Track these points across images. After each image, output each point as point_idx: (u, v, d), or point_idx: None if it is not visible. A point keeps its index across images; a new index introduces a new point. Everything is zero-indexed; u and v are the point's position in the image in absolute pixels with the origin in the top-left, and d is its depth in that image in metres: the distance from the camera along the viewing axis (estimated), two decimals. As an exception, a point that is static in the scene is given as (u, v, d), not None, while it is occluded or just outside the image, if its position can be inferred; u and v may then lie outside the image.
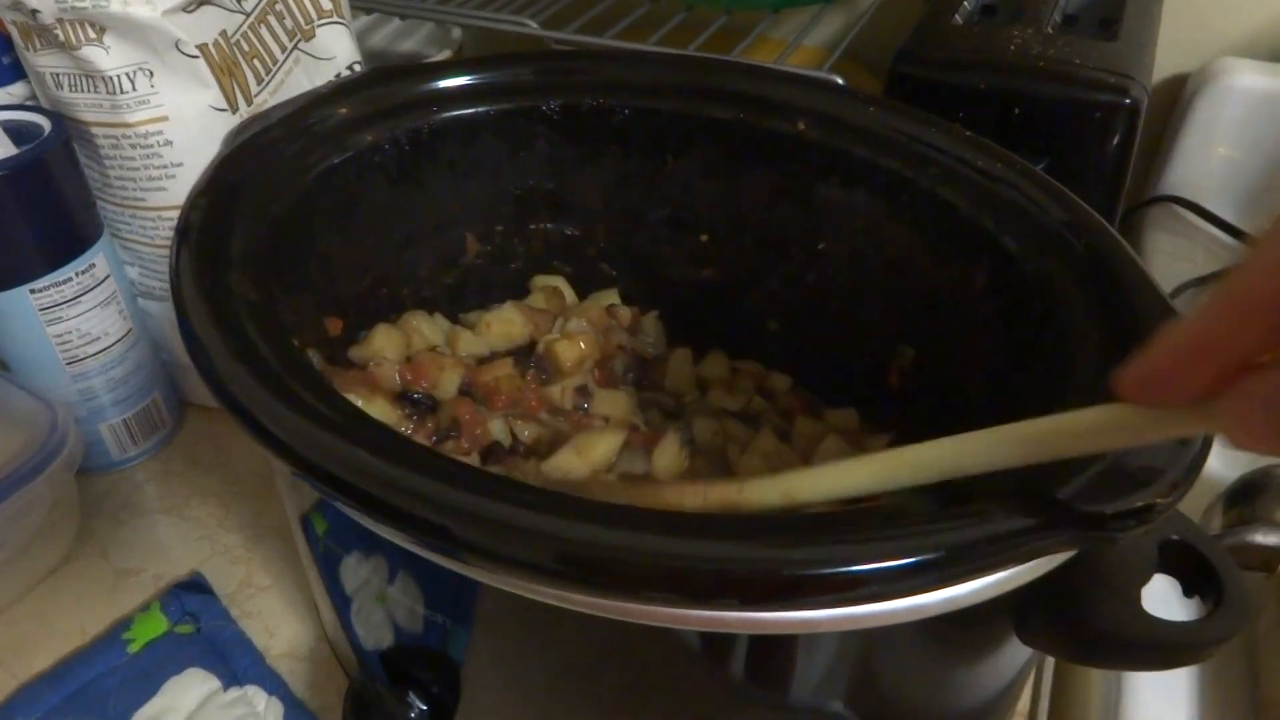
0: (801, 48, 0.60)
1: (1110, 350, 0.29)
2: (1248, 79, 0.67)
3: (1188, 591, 0.30)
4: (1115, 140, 0.49)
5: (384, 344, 0.42)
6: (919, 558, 0.23)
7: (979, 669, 0.31)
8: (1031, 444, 0.25)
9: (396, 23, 0.73)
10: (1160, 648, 0.27)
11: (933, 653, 0.29)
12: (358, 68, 0.53)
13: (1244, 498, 0.44)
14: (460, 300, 0.47)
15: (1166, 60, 0.70)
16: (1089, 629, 0.27)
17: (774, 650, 0.28)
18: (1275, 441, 0.19)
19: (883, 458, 0.29)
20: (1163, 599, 0.31)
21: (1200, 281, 0.62)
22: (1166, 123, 0.71)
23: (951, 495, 0.25)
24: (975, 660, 0.30)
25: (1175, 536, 0.29)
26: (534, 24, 0.61)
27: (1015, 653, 0.30)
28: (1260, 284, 0.19)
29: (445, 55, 0.69)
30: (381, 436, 0.27)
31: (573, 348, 0.45)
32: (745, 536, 0.24)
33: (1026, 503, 0.24)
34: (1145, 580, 0.28)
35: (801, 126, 0.42)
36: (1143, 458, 0.25)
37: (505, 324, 0.46)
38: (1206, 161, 0.70)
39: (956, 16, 0.58)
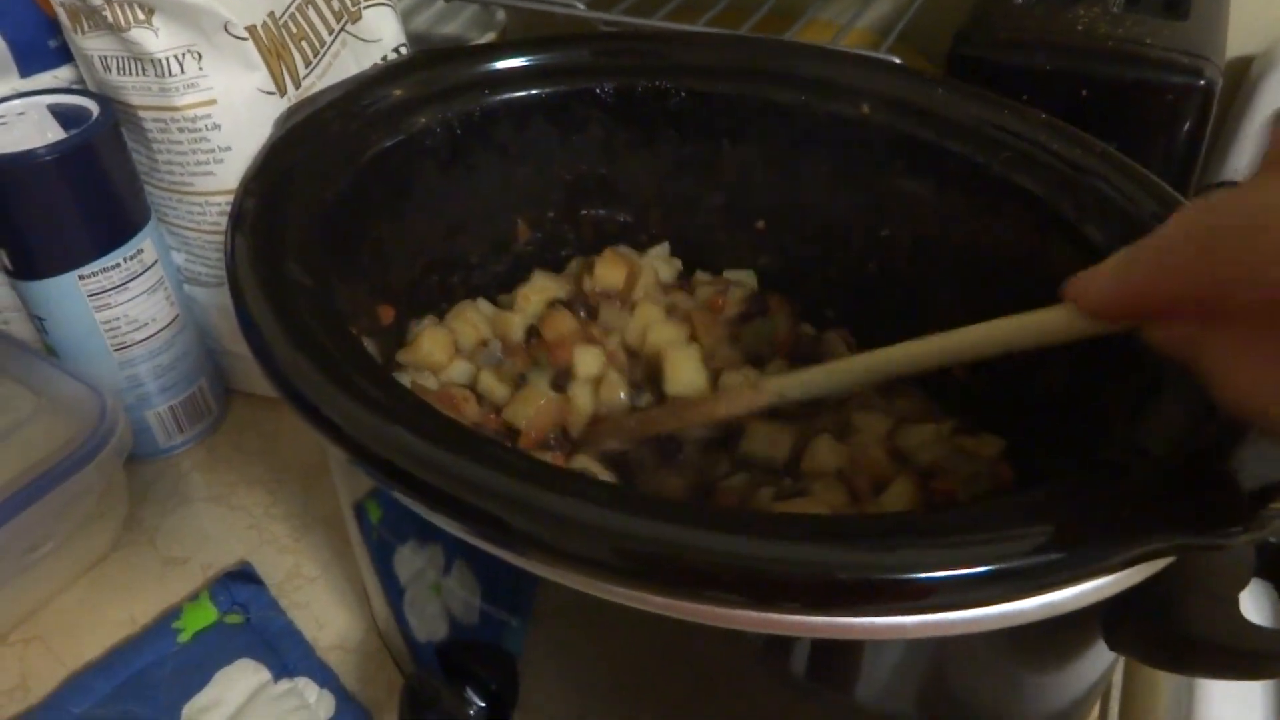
0: (854, 30, 0.59)
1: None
2: (1315, 61, 0.64)
3: (1283, 597, 0.29)
4: (1188, 124, 0.47)
5: (431, 346, 0.41)
6: (1006, 565, 0.22)
7: (1061, 675, 0.29)
8: (999, 337, 0.30)
9: (440, 5, 0.72)
10: (1261, 657, 0.25)
11: (1014, 659, 0.28)
12: (404, 50, 0.52)
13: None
14: (510, 289, 0.46)
15: (1231, 41, 0.67)
16: (1185, 636, 0.25)
17: (843, 654, 0.27)
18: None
19: (871, 356, 0.33)
20: (1254, 604, 0.29)
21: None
22: (1229, 106, 0.69)
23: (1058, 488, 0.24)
24: (1058, 667, 0.29)
25: (1273, 539, 0.28)
26: (581, 5, 0.59)
27: (1100, 659, 0.29)
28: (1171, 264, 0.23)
29: (489, 38, 0.68)
30: (440, 425, 0.27)
31: (613, 268, 0.44)
32: (815, 537, 0.23)
33: (1131, 507, 0.23)
34: (1244, 585, 0.26)
35: (865, 109, 0.41)
36: (1251, 461, 0.24)
37: (542, 291, 0.44)
38: (1271, 146, 0.67)
39: (1017, -4, 0.56)
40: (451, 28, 0.72)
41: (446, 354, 0.41)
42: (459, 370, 0.41)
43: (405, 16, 0.70)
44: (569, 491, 0.24)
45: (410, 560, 0.33)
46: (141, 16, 0.42)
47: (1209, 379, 0.22)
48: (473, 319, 0.43)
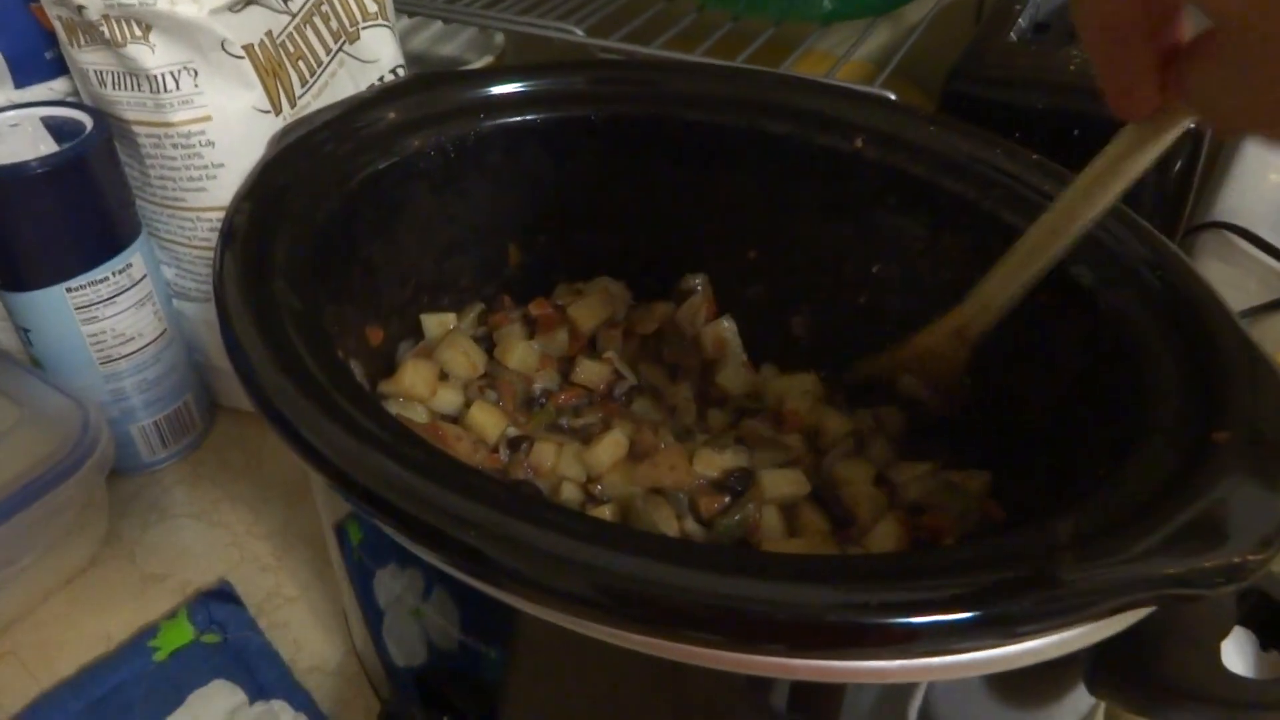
0: (851, 62, 0.59)
1: (1191, 389, 0.28)
2: (1306, 105, 0.65)
3: (1265, 645, 0.28)
4: (1178, 165, 0.48)
5: (414, 379, 0.40)
6: (989, 611, 0.22)
7: (1041, 717, 0.29)
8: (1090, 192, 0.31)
9: (438, 26, 0.73)
10: (1240, 707, 0.25)
11: (995, 701, 0.28)
12: (401, 72, 0.53)
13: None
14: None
15: (1222, 83, 0.68)
16: (1165, 684, 0.25)
17: (825, 694, 0.27)
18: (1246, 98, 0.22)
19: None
20: (1236, 652, 0.29)
21: (1254, 311, 0.61)
22: (1220, 147, 0.69)
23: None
24: (1039, 710, 0.29)
25: (1253, 587, 0.28)
26: (579, 31, 0.60)
27: (1081, 702, 0.29)
28: None
29: (487, 60, 0.68)
30: (423, 454, 0.27)
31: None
32: (798, 578, 0.23)
33: (1114, 556, 0.23)
34: (1225, 633, 0.26)
35: (858, 144, 0.41)
36: (1231, 511, 0.24)
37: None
38: (1260, 188, 0.67)
39: (1011, 34, 0.56)
40: (450, 49, 0.73)
41: (429, 387, 0.41)
42: (445, 401, 0.41)
43: (404, 37, 0.71)
44: (549, 524, 0.24)
45: (390, 584, 0.33)
46: (138, 33, 0.42)
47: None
48: (464, 347, 0.42)
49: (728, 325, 0.46)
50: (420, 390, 0.41)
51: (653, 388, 0.45)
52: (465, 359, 0.42)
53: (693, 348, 0.46)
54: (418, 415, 0.40)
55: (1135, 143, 0.30)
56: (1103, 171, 0.31)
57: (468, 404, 0.42)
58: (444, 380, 0.42)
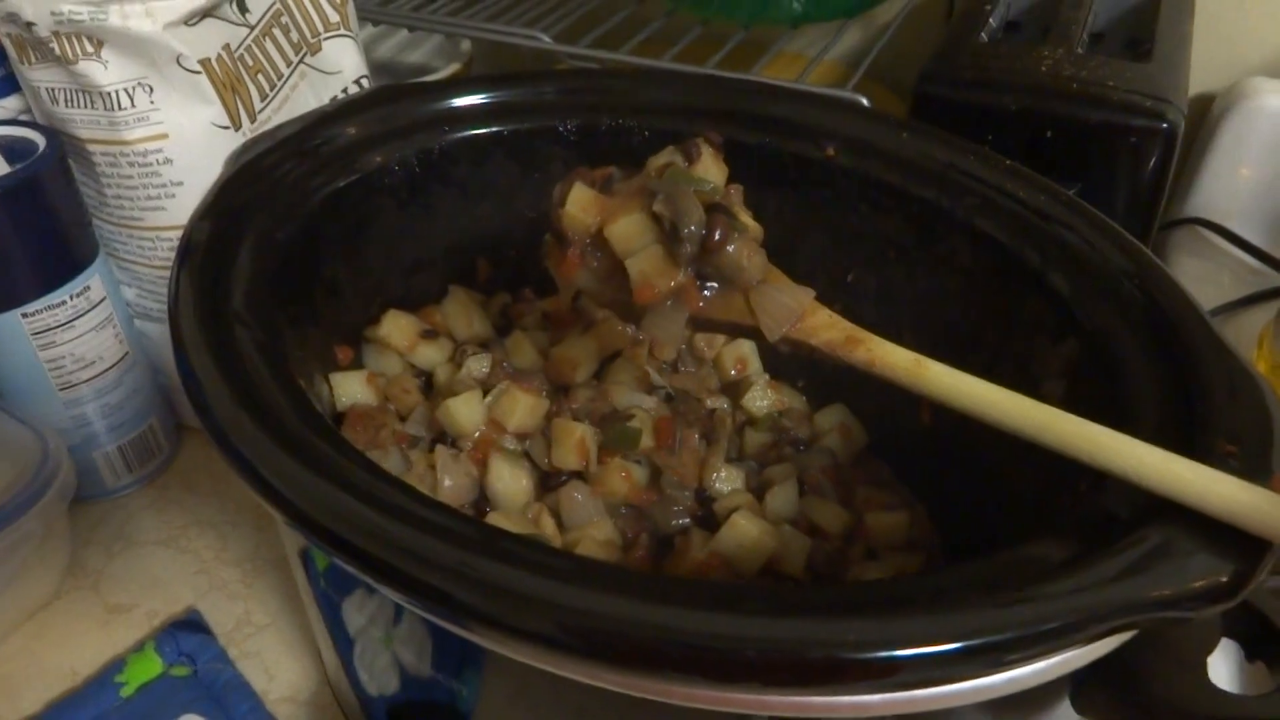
0: (823, 63, 0.58)
1: (1171, 403, 0.28)
2: (1276, 100, 0.65)
3: (1250, 656, 0.28)
4: (1151, 165, 0.47)
5: (391, 328, 0.41)
6: (973, 641, 0.21)
7: (1026, 738, 0.29)
8: (1171, 481, 0.24)
9: (404, 34, 0.72)
10: (1227, 724, 0.25)
11: (977, 722, 0.28)
12: (365, 82, 0.51)
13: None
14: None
15: (1193, 79, 0.68)
16: (1151, 703, 0.25)
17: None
18: None
19: (1030, 402, 0.28)
20: (1222, 666, 0.29)
21: (1229, 306, 0.61)
22: (1192, 143, 0.70)
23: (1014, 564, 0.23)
24: (1023, 730, 0.28)
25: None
26: (546, 37, 0.59)
27: (1066, 721, 0.28)
28: None
29: (454, 68, 0.67)
30: (388, 490, 0.26)
31: None
32: (774, 612, 0.22)
33: (1095, 581, 0.22)
34: (1211, 649, 0.26)
35: (830, 152, 0.40)
36: (1215, 530, 0.23)
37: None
38: (1233, 183, 0.68)
39: (982, 34, 0.56)
40: (416, 57, 0.72)
41: (407, 339, 0.41)
42: (424, 357, 0.42)
43: (369, 45, 0.70)
44: (516, 561, 0.23)
45: (357, 612, 0.32)
46: (90, 49, 0.41)
47: None
48: (467, 305, 0.43)
49: (748, 344, 0.45)
50: (397, 339, 0.41)
51: (685, 393, 0.44)
52: (465, 316, 0.43)
53: (712, 372, 0.45)
54: (391, 367, 0.41)
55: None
56: (1210, 494, 0.24)
57: (453, 361, 0.42)
58: (431, 338, 0.42)
